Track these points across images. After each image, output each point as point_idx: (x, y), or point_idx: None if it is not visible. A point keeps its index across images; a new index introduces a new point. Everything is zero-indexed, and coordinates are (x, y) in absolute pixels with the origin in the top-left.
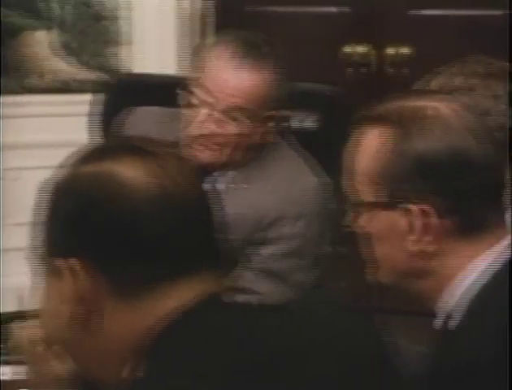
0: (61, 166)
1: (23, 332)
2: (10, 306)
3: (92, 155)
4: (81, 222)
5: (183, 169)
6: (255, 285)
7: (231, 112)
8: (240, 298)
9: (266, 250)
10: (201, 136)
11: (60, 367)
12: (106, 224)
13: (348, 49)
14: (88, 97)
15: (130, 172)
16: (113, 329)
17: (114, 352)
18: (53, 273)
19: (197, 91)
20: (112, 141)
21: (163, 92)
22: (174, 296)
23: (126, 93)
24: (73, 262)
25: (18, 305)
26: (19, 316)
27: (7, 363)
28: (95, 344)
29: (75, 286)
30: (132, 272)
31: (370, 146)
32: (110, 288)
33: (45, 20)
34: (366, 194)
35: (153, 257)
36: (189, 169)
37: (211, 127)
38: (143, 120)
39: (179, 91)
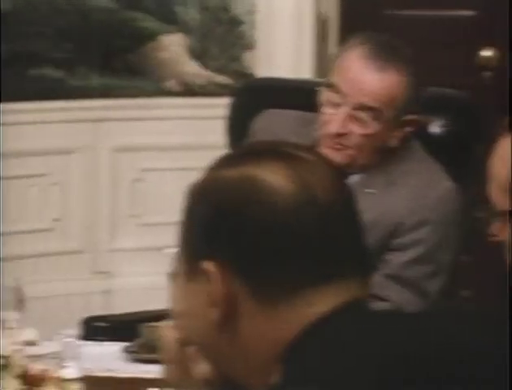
0: (208, 169)
1: (159, 332)
2: (142, 306)
3: (234, 159)
4: (222, 225)
5: (327, 172)
6: (385, 292)
7: (360, 112)
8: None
9: (397, 257)
10: (329, 135)
11: (197, 369)
12: (248, 228)
13: (484, 52)
14: (223, 100)
15: (273, 176)
16: (252, 334)
17: (253, 356)
18: (191, 275)
19: (330, 91)
20: (254, 145)
21: (296, 96)
22: (317, 303)
23: (260, 97)
24: (212, 265)
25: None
26: (152, 316)
27: (139, 361)
28: (233, 347)
29: (214, 289)
30: (274, 278)
31: (505, 154)
32: (250, 293)
33: (181, 24)
34: (501, 202)
35: (296, 262)
36: (334, 172)
37: (339, 127)
38: (276, 124)
39: (318, 89)
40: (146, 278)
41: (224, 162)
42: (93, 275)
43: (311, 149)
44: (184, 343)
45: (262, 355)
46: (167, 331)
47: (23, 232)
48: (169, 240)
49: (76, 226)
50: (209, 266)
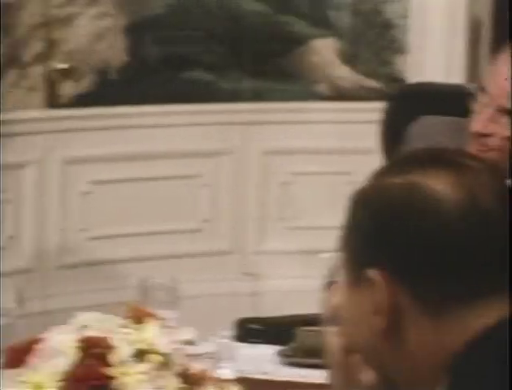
0: (372, 176)
1: (314, 336)
2: (289, 309)
3: (397, 166)
4: (387, 233)
5: (491, 179)
6: None
7: (503, 115)
8: None
9: None
10: (473, 135)
11: (361, 376)
12: (413, 237)
13: None
14: (374, 104)
15: (438, 184)
16: (416, 342)
17: (417, 365)
18: (355, 283)
19: (480, 93)
20: (416, 152)
21: (449, 101)
22: (482, 314)
23: (413, 102)
24: (377, 273)
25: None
26: (306, 319)
27: (294, 365)
28: (397, 356)
29: (377, 298)
30: (439, 288)
31: None
32: (413, 303)
33: (332, 28)
34: None
35: (461, 272)
36: (498, 179)
37: (482, 127)
38: (433, 130)
39: (471, 94)
40: (294, 281)
41: (388, 170)
42: (241, 276)
43: (474, 155)
44: (348, 350)
45: (427, 364)
46: (331, 337)
47: (173, 232)
48: (317, 243)
49: (225, 227)
50: (374, 274)
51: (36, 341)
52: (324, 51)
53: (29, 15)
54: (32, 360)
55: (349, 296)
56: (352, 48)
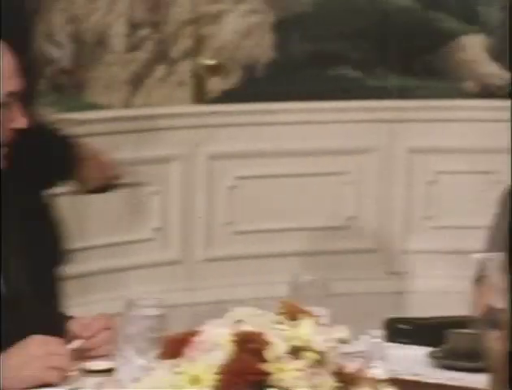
0: None
1: (467, 339)
2: (436, 309)
3: None
4: None
5: None
6: None
7: None
8: None
9: None
10: None
11: None
12: None
13: None
14: None
15: None
16: None
17: None
18: None
19: None
20: None
21: None
22: None
23: None
24: None
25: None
26: (456, 321)
27: (445, 367)
28: None
29: None
30: None
31: None
32: None
33: (482, 24)
34: None
35: None
36: None
37: None
38: None
39: None
40: (440, 281)
41: None
42: (387, 275)
43: None
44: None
45: None
46: (492, 342)
47: (317, 229)
48: (463, 243)
49: (370, 225)
50: None
51: (192, 333)
52: (473, 48)
53: (179, 12)
54: (189, 352)
55: (509, 300)
56: (501, 44)
